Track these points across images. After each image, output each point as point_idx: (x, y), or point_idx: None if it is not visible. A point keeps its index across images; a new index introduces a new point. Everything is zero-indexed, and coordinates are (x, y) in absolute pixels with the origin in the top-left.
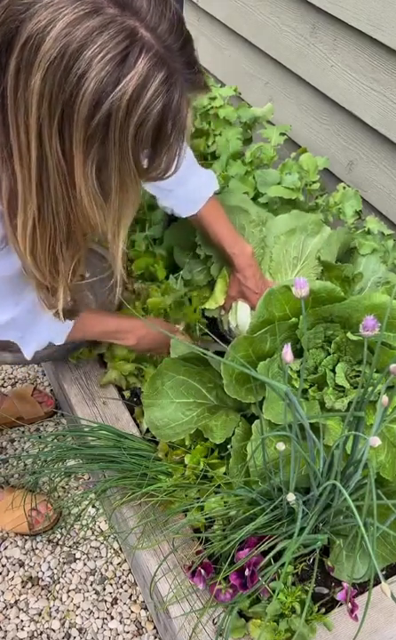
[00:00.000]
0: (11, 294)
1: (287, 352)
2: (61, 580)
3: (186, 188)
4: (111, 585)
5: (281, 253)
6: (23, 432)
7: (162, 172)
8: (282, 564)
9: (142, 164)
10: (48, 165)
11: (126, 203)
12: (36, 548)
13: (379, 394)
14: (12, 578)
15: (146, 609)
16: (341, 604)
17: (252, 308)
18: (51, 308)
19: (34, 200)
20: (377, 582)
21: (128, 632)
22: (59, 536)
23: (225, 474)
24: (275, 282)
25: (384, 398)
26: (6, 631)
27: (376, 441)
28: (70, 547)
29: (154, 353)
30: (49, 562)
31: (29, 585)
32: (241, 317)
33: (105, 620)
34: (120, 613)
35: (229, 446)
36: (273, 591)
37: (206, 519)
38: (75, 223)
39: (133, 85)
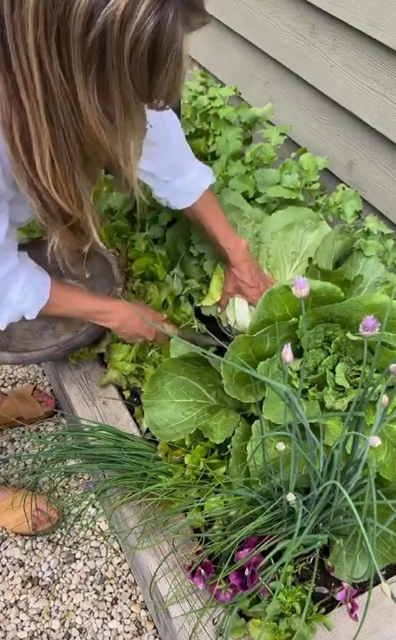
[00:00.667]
0: None
1: (287, 352)
2: (61, 579)
3: (183, 179)
4: (111, 585)
5: (279, 249)
6: (23, 432)
7: (164, 100)
8: (282, 564)
9: (143, 87)
10: (52, 89)
11: (131, 126)
12: (36, 548)
13: (379, 394)
14: (12, 578)
15: (146, 609)
16: (341, 604)
17: (250, 302)
18: (81, 245)
19: (46, 129)
20: (377, 582)
21: (128, 632)
22: (59, 536)
23: (225, 474)
24: (273, 277)
25: (384, 398)
26: (6, 631)
27: (376, 441)
28: (70, 547)
29: (140, 339)
30: (49, 562)
31: (29, 585)
32: (240, 313)
33: (105, 620)
34: (120, 613)
35: (229, 446)
36: (273, 591)
37: (206, 519)
38: (88, 149)
39: (125, 0)
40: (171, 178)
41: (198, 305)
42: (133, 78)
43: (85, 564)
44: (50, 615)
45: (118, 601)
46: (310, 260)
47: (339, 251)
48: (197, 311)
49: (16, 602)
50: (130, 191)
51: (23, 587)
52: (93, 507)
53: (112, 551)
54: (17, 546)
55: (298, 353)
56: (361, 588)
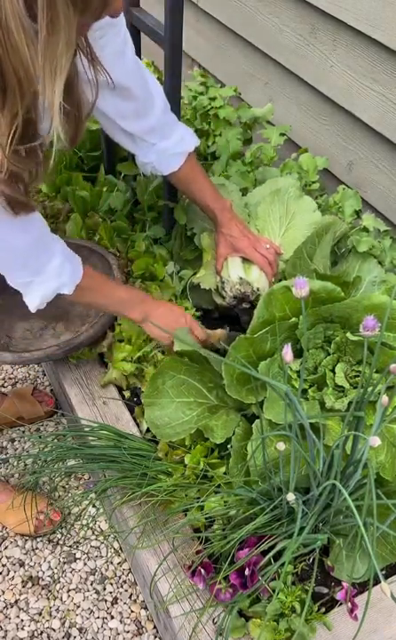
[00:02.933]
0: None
1: (287, 352)
2: (61, 579)
3: (169, 141)
4: (111, 584)
5: (267, 212)
6: (23, 432)
7: (100, 4)
8: (282, 564)
9: None
10: None
11: (57, 32)
12: (37, 548)
13: (379, 394)
14: (13, 577)
15: (146, 608)
16: (341, 604)
17: (243, 253)
18: None
19: None
20: (377, 582)
21: (128, 631)
22: (59, 536)
23: (225, 473)
24: (263, 236)
25: (384, 398)
26: (6, 631)
27: (375, 441)
28: (70, 546)
29: (158, 339)
30: (49, 561)
31: (29, 584)
32: (232, 268)
33: (105, 620)
34: (120, 613)
35: (229, 446)
36: (273, 591)
37: (206, 519)
38: (6, 61)
39: None
40: (158, 139)
41: (196, 281)
42: None
43: (85, 564)
44: (50, 615)
45: (118, 600)
46: (314, 270)
47: (331, 243)
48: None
49: (16, 601)
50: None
51: (23, 586)
52: (93, 506)
53: (112, 551)
54: (17, 545)
55: (298, 353)
56: (361, 587)
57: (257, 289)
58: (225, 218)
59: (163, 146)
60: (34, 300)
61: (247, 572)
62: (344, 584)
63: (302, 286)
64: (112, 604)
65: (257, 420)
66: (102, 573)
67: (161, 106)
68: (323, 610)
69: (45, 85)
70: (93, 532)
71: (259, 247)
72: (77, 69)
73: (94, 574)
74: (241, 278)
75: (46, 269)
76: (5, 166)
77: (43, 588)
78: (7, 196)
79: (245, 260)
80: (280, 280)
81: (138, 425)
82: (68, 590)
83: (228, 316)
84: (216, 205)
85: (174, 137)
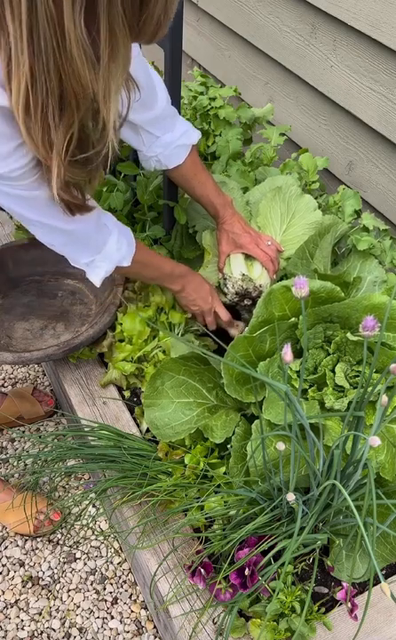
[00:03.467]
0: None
1: (287, 352)
2: (61, 579)
3: (173, 133)
4: (111, 584)
5: (268, 208)
6: (23, 432)
7: (151, 35)
8: (282, 564)
9: (132, 15)
10: (37, 8)
11: (116, 59)
12: (37, 548)
13: (379, 394)
14: (13, 577)
15: (146, 608)
16: (341, 604)
17: (246, 250)
18: (48, 185)
19: (26, 58)
20: (377, 582)
21: (128, 631)
22: (59, 536)
23: (225, 473)
24: (264, 233)
25: (384, 398)
26: (7, 631)
27: (375, 441)
28: (70, 546)
29: (196, 308)
30: (49, 561)
31: (30, 584)
32: (235, 267)
33: (105, 620)
34: (120, 613)
35: (229, 446)
36: (273, 591)
37: (206, 519)
38: (67, 83)
39: None
40: (162, 132)
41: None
42: (123, 3)
43: (85, 564)
44: (50, 615)
45: (118, 600)
46: (315, 270)
47: (332, 242)
48: None
49: (16, 601)
50: (105, 144)
51: (23, 586)
52: (93, 506)
53: (112, 551)
54: (17, 546)
55: (298, 353)
56: (361, 587)
57: (260, 285)
58: (227, 213)
59: (168, 138)
60: (98, 275)
61: (247, 572)
62: (344, 584)
63: (302, 286)
64: (112, 604)
65: (257, 421)
66: (102, 573)
67: (164, 96)
68: (323, 610)
69: (102, 105)
70: (93, 532)
71: (261, 244)
72: None
73: (94, 574)
74: (243, 274)
75: (106, 247)
76: (62, 176)
77: (43, 588)
78: (65, 201)
79: (247, 256)
80: (282, 278)
81: (138, 425)
82: (68, 590)
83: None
84: (218, 200)
85: (178, 129)
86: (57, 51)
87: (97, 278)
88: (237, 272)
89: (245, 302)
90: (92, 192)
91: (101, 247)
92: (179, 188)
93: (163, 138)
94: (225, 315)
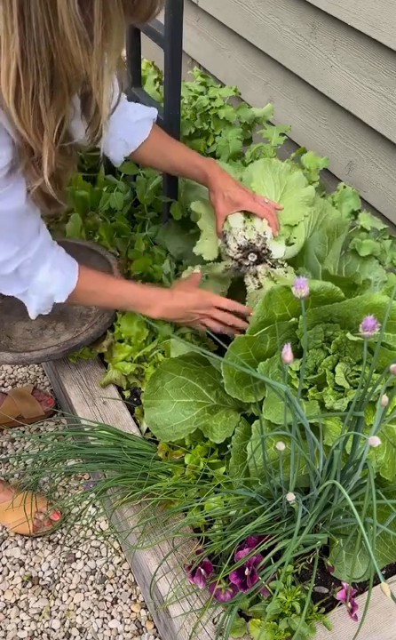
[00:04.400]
0: (16, 236)
1: (287, 352)
2: (61, 579)
3: (126, 113)
4: (111, 584)
5: (262, 176)
6: (23, 432)
7: (149, 8)
8: (282, 564)
9: None
10: None
11: (110, 39)
12: (37, 548)
13: (379, 394)
14: (13, 577)
15: (146, 608)
16: (341, 604)
17: (244, 206)
18: (36, 180)
19: (16, 37)
20: (377, 582)
21: (128, 631)
22: (59, 536)
23: (225, 473)
24: (257, 193)
25: (384, 398)
26: (7, 631)
27: (375, 441)
28: (70, 546)
29: (194, 326)
30: (49, 561)
31: (29, 584)
32: (235, 221)
33: (105, 620)
34: (120, 613)
35: (229, 446)
36: (273, 591)
37: (206, 519)
38: (58, 64)
39: None
40: (115, 115)
41: (197, 253)
42: None
43: (85, 564)
44: (50, 615)
45: (118, 600)
46: (325, 272)
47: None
48: None
49: (16, 601)
50: (97, 131)
51: (23, 586)
52: (93, 506)
53: (112, 551)
54: (17, 545)
55: (298, 353)
56: (361, 587)
57: (264, 233)
58: (216, 171)
59: (123, 118)
60: (31, 308)
61: (247, 571)
62: (344, 584)
63: (302, 286)
64: (112, 604)
65: (257, 421)
66: (102, 573)
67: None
68: (323, 610)
69: (95, 87)
70: (93, 532)
71: (258, 199)
72: None
73: (94, 574)
74: (244, 222)
75: (33, 280)
76: (53, 162)
77: (43, 588)
78: (48, 193)
79: (246, 214)
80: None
81: (138, 425)
82: (68, 590)
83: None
84: (200, 162)
85: (129, 108)
86: (49, 30)
87: (32, 311)
88: (238, 223)
89: (250, 259)
90: (68, 181)
91: (30, 280)
92: (155, 168)
93: (118, 119)
94: (230, 303)
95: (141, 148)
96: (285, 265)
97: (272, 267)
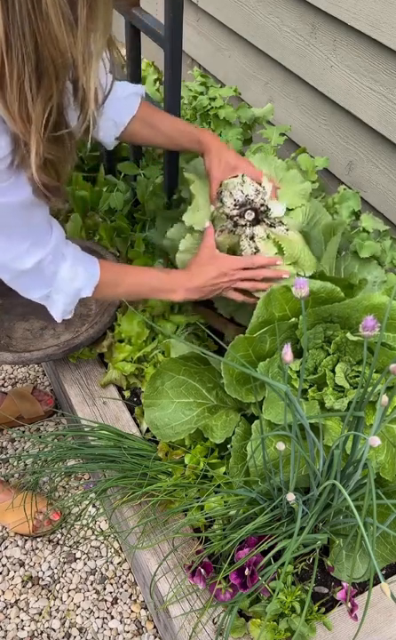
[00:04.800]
0: (26, 230)
1: (287, 352)
2: (61, 579)
3: (114, 92)
4: (111, 584)
5: (258, 164)
6: (23, 432)
7: None
8: (282, 564)
9: None
10: None
11: (95, 19)
12: (37, 548)
13: (379, 394)
14: (13, 577)
15: (146, 608)
16: (341, 604)
17: (242, 171)
18: (25, 166)
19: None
20: (377, 582)
21: (128, 631)
22: (59, 536)
23: (225, 473)
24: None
25: (384, 398)
26: (7, 631)
27: (375, 441)
28: (70, 546)
29: (224, 294)
30: (49, 561)
31: (29, 584)
32: (230, 180)
33: (105, 620)
34: (120, 613)
35: (229, 446)
36: (273, 591)
37: (206, 519)
38: (43, 48)
39: None
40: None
41: (188, 223)
42: None
43: (85, 564)
44: (50, 615)
45: (118, 600)
46: (321, 273)
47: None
48: None
49: (16, 601)
50: (86, 119)
51: (23, 586)
52: (93, 506)
53: (112, 551)
54: (17, 545)
55: (298, 353)
56: (361, 587)
57: (263, 188)
58: (210, 137)
59: (110, 97)
60: (57, 309)
61: (247, 571)
62: (344, 584)
63: (302, 286)
64: (112, 604)
65: (257, 421)
66: (102, 573)
67: None
68: (323, 610)
69: (82, 72)
70: (93, 532)
71: (256, 167)
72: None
73: (94, 574)
74: (242, 177)
75: (57, 278)
76: (41, 153)
77: (43, 588)
78: (44, 184)
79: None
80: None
81: (138, 425)
82: (68, 590)
83: None
84: (193, 129)
85: (117, 87)
86: (32, 12)
87: (57, 313)
88: (236, 179)
89: (247, 217)
90: (68, 173)
91: (52, 278)
92: (150, 145)
93: (108, 99)
94: (247, 261)
95: (131, 125)
96: (285, 223)
97: (270, 226)
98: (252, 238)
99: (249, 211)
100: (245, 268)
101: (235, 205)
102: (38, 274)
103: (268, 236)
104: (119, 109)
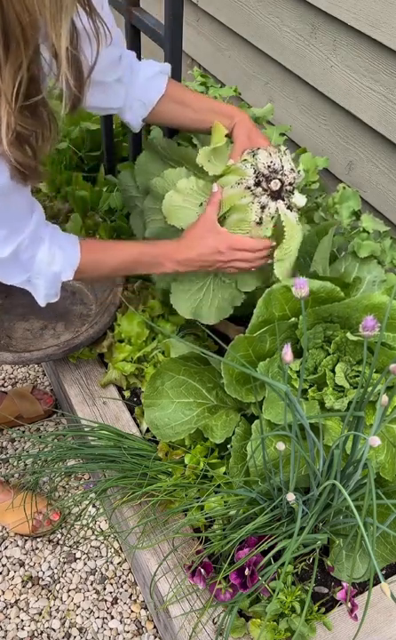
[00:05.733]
0: (4, 218)
1: (287, 352)
2: (61, 579)
3: (140, 70)
4: (111, 584)
5: None
6: (23, 432)
7: None
8: (282, 564)
9: None
10: None
11: None
12: (37, 548)
13: (379, 394)
14: (13, 577)
15: (146, 608)
16: (341, 604)
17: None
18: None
19: None
20: (377, 582)
21: (128, 631)
22: (59, 536)
23: (225, 473)
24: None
25: (384, 398)
26: (7, 631)
27: (375, 441)
28: (70, 546)
29: (223, 268)
30: (49, 561)
31: (30, 584)
32: (266, 148)
33: (105, 620)
34: (120, 613)
35: (229, 446)
36: (273, 591)
37: (206, 519)
38: (8, 7)
39: None
40: (129, 73)
41: (200, 162)
42: None
43: (85, 564)
44: (50, 615)
45: (118, 600)
46: (314, 273)
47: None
48: None
49: (16, 601)
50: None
51: (23, 586)
52: (93, 506)
53: (112, 551)
54: (17, 546)
55: (298, 353)
56: (361, 587)
57: (289, 162)
58: (244, 114)
59: (139, 76)
60: (39, 294)
61: (247, 571)
62: (344, 584)
63: (302, 286)
64: (112, 604)
65: (257, 421)
66: (102, 573)
67: (120, 35)
68: (323, 610)
69: (51, 29)
70: (93, 532)
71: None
72: (75, 24)
73: (94, 574)
74: (284, 150)
75: (35, 261)
76: (12, 125)
77: (43, 588)
78: (19, 162)
79: None
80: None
81: (138, 425)
82: (68, 590)
83: None
84: (226, 105)
85: (142, 65)
86: None
87: (40, 297)
88: (276, 148)
89: (272, 185)
90: (46, 152)
91: (31, 262)
92: (175, 126)
93: (135, 77)
94: (250, 243)
95: (160, 104)
96: (299, 212)
97: (288, 208)
98: (263, 208)
99: (276, 180)
100: (243, 250)
101: (268, 167)
102: (15, 260)
103: (279, 217)
104: (147, 89)
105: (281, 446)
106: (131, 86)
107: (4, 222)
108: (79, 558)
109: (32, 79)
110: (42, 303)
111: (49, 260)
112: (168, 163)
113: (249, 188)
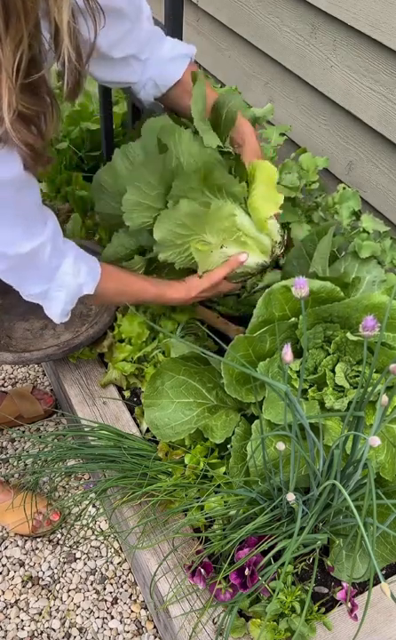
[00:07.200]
0: (17, 211)
1: (287, 352)
2: (61, 579)
3: (162, 50)
4: (111, 584)
5: None
6: (23, 432)
7: None
8: (282, 564)
9: None
10: None
11: None
12: (37, 548)
13: (379, 394)
14: (13, 577)
15: (146, 608)
16: (341, 604)
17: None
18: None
19: None
20: (377, 582)
21: (128, 632)
22: (59, 536)
23: (225, 473)
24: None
25: (384, 398)
26: (7, 631)
27: (375, 441)
28: (70, 546)
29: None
30: (49, 561)
31: (29, 584)
32: (273, 226)
33: (105, 620)
34: (120, 613)
35: (229, 446)
36: (273, 591)
37: (206, 519)
38: None
39: None
40: (149, 52)
41: (208, 144)
42: None
43: (85, 564)
44: (50, 615)
45: (118, 600)
46: (314, 273)
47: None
48: None
49: (16, 601)
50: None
51: (23, 586)
52: (93, 506)
53: (112, 551)
54: (17, 546)
55: (298, 353)
56: (361, 587)
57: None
58: (251, 130)
59: (159, 55)
60: (57, 308)
61: (247, 572)
62: (344, 584)
63: (302, 286)
64: (112, 604)
65: (257, 421)
66: (102, 573)
67: (148, 13)
68: (323, 610)
69: (52, 3)
70: (93, 532)
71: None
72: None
73: (94, 574)
74: (279, 230)
75: (59, 272)
76: (13, 104)
77: (43, 588)
78: (26, 144)
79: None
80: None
81: (138, 425)
82: (68, 590)
83: None
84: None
85: (166, 44)
86: None
87: (56, 312)
88: (276, 229)
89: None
90: (52, 132)
91: (54, 272)
92: (185, 114)
93: (153, 56)
94: (206, 283)
95: (174, 90)
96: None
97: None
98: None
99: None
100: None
101: (279, 244)
102: (37, 264)
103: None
104: (163, 71)
105: (280, 446)
106: (150, 65)
107: (19, 219)
108: (79, 558)
109: (33, 56)
110: (57, 319)
111: (74, 272)
112: None
113: (261, 265)
